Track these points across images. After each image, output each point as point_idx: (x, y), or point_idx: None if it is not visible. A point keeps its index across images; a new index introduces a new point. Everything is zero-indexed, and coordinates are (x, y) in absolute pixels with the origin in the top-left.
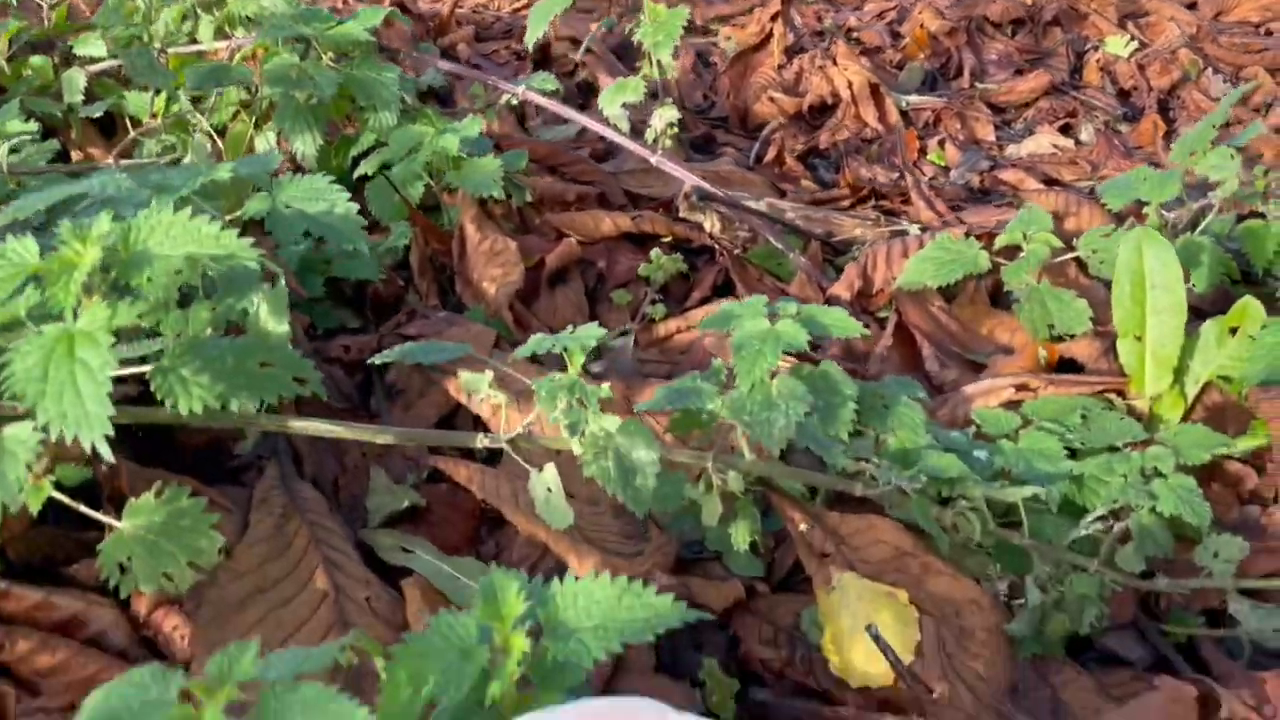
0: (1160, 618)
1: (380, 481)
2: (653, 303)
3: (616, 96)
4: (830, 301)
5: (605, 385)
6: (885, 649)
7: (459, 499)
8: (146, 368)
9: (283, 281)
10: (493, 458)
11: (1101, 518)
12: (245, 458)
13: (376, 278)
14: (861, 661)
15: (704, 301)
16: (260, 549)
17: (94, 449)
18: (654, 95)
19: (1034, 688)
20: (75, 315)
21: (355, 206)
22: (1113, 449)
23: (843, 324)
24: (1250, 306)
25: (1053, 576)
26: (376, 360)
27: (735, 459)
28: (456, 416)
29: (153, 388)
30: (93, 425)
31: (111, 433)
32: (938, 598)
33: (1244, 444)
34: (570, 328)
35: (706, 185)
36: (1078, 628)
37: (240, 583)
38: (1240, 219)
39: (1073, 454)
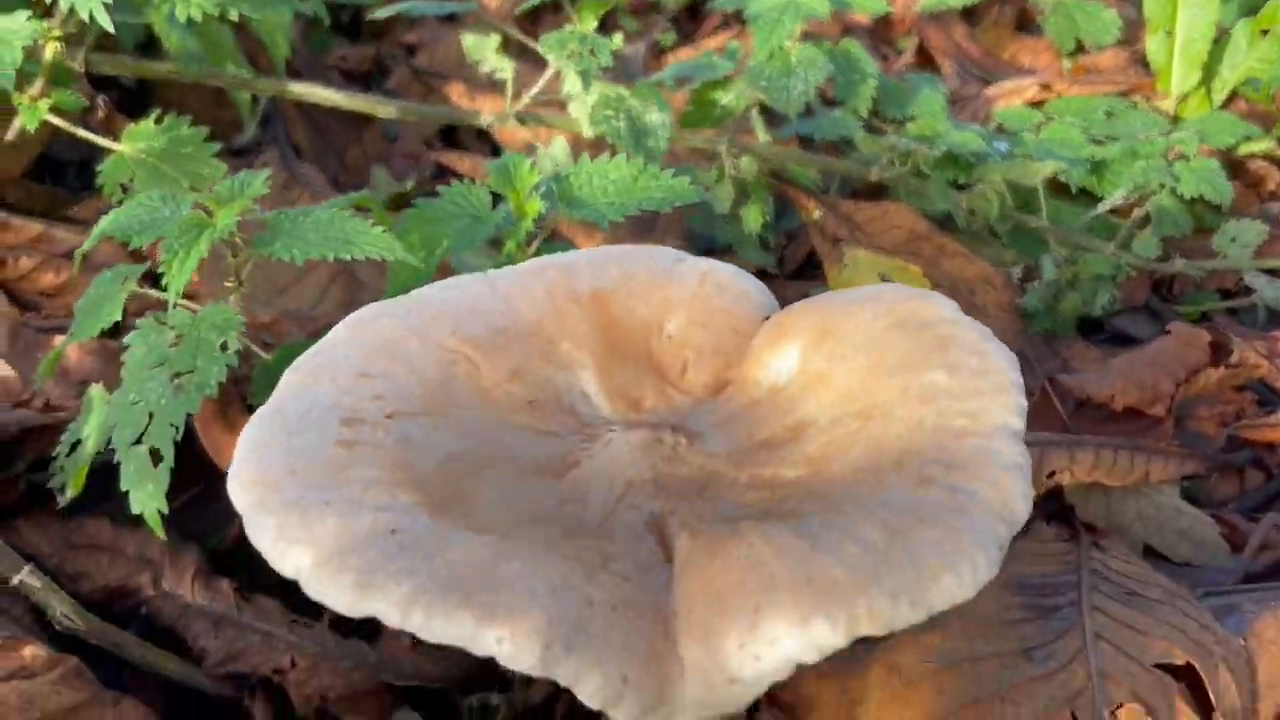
0: (1175, 301)
1: (381, 178)
2: (663, 31)
3: None
4: (846, 30)
5: (616, 35)
6: None
7: None
8: None
9: None
10: (496, 152)
11: (1121, 206)
12: (245, 144)
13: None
14: None
15: (715, 32)
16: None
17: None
18: None
19: (1044, 359)
20: None
21: None
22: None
23: (869, 1)
24: None
25: (1068, 259)
26: (379, 14)
27: (749, 143)
28: (457, 130)
29: None
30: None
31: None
32: (951, 277)
33: (1268, 140)
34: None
35: None
36: (1090, 309)
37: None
38: None
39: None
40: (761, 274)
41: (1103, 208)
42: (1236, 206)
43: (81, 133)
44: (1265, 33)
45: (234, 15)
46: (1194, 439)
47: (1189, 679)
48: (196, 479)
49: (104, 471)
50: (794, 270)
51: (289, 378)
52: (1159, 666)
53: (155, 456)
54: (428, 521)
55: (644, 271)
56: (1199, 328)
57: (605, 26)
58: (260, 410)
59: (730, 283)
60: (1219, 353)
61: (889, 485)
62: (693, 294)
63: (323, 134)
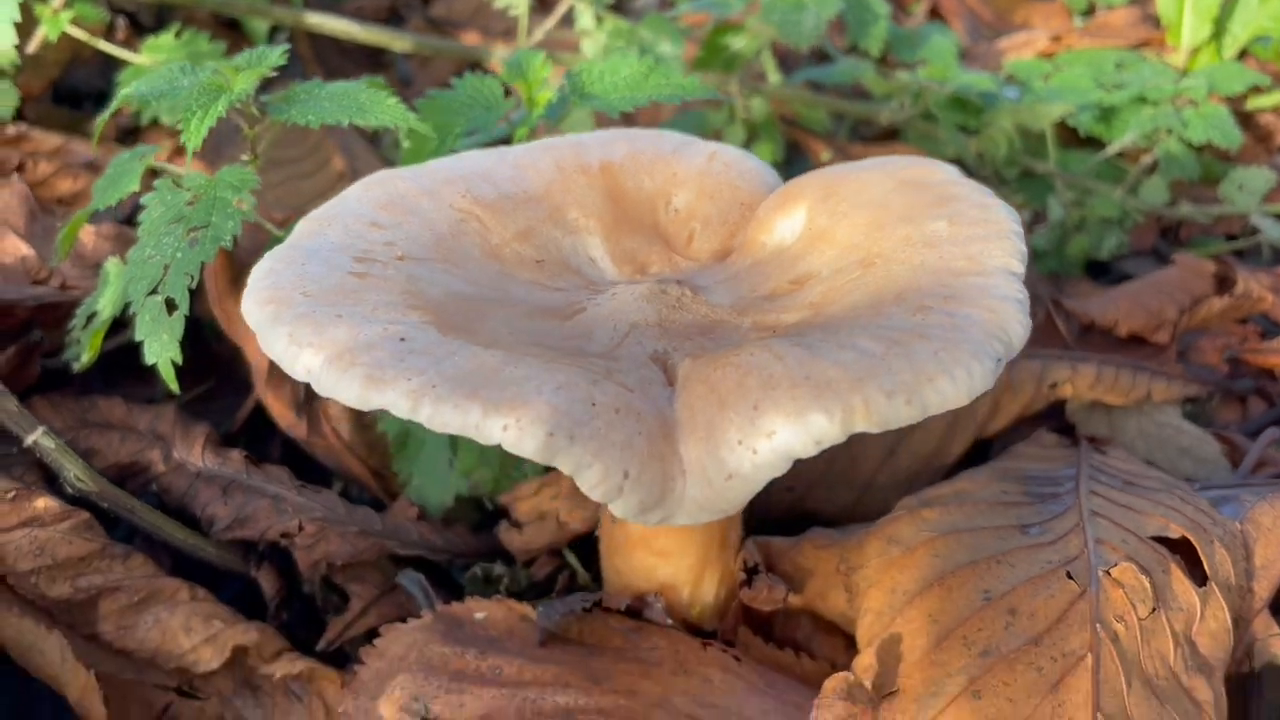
0: (1182, 245)
1: None
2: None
3: None
4: None
5: None
6: None
7: None
8: None
9: None
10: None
11: (1129, 152)
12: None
13: None
14: None
15: None
16: (303, 154)
17: None
18: None
19: (1051, 297)
20: None
21: None
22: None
23: None
24: None
25: (1075, 202)
26: None
27: (760, 85)
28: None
29: None
30: None
31: None
32: None
33: (1267, 98)
34: None
35: None
36: (1098, 252)
37: (283, 166)
38: None
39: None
40: None
41: (1111, 150)
42: (1245, 159)
43: (103, 44)
44: None
45: None
46: (1198, 370)
47: (1185, 555)
48: (206, 376)
49: (119, 355)
50: None
51: (301, 225)
52: (1155, 539)
53: (170, 306)
54: (437, 335)
55: (652, 149)
56: (1204, 259)
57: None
58: (273, 250)
59: (737, 160)
60: (1224, 284)
61: (888, 314)
62: (700, 170)
63: (337, 76)
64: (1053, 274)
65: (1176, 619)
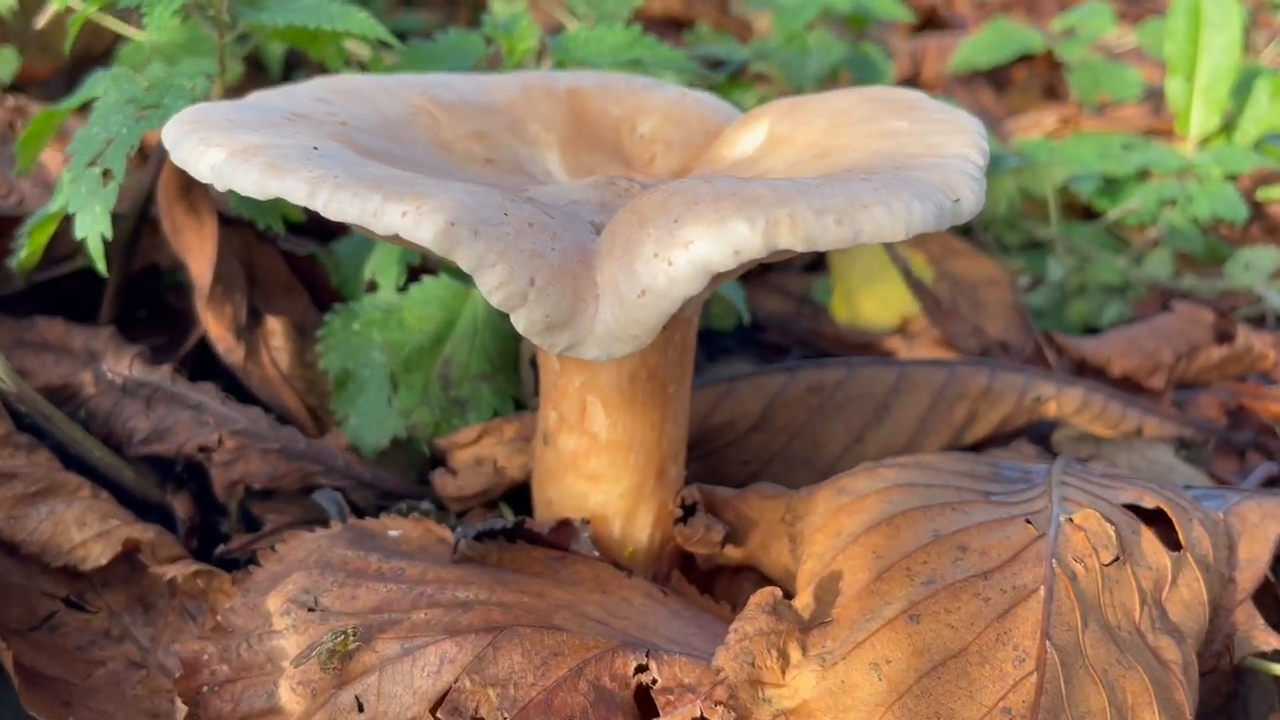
0: None
1: None
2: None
3: None
4: None
5: None
6: (897, 259)
7: None
8: None
9: None
10: None
11: (1132, 227)
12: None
13: (419, 30)
14: (870, 310)
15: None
16: None
17: None
18: None
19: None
20: None
21: None
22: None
23: (886, 4)
24: None
25: (1077, 267)
26: None
27: None
28: None
29: None
30: None
31: None
32: (956, 274)
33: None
34: None
35: None
36: (1096, 319)
37: None
38: None
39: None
40: (767, 269)
41: (1113, 215)
42: (1252, 244)
43: (110, 21)
44: None
45: None
46: (1196, 419)
47: (1161, 531)
48: (160, 332)
49: (69, 285)
50: (804, 265)
51: (249, 96)
52: (1128, 507)
53: (107, 176)
54: (353, 154)
55: (623, 83)
56: (1203, 308)
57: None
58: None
59: (708, 99)
60: (1223, 338)
61: (835, 175)
62: (669, 102)
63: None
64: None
65: (1144, 576)
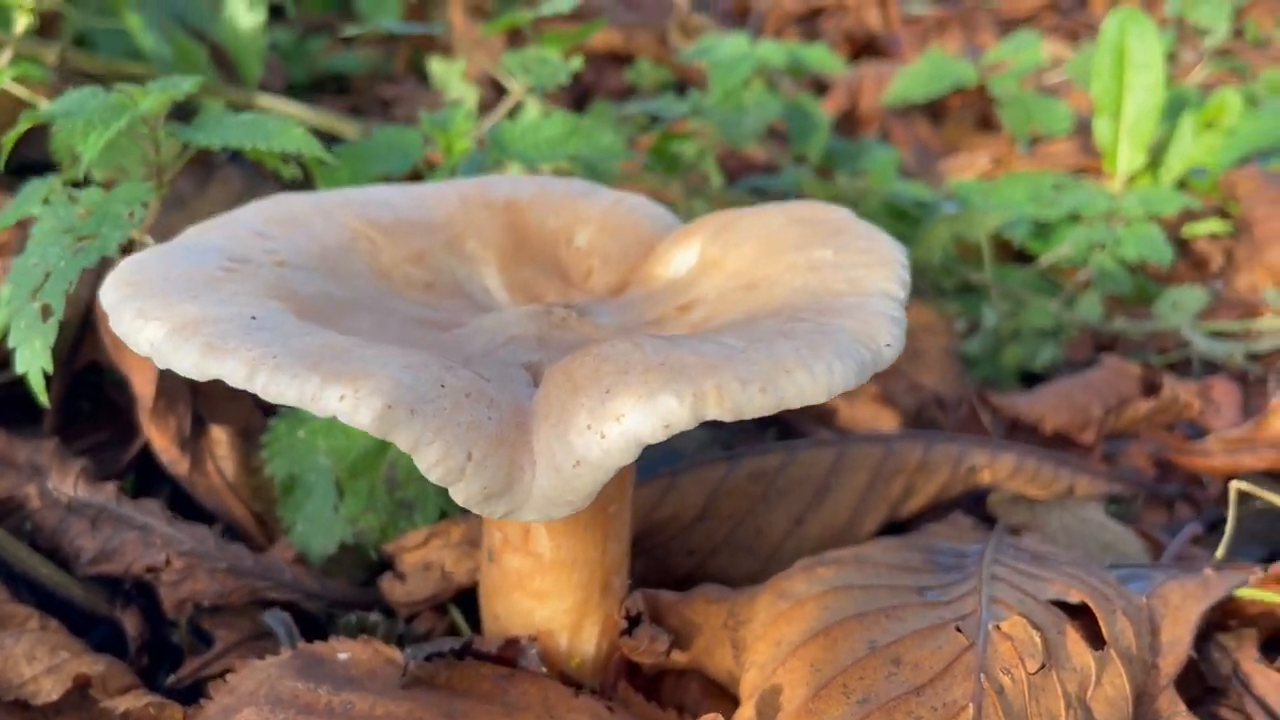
0: None
1: None
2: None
3: None
4: None
5: (576, 59)
6: None
7: None
8: None
9: None
10: None
11: (1065, 269)
12: (217, 161)
13: (360, 72)
14: None
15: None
16: (218, 206)
17: None
18: None
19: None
20: None
21: None
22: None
23: (822, 58)
24: (1228, 99)
25: (1011, 312)
26: (350, 31)
27: (704, 186)
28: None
29: None
30: None
31: None
32: None
33: (1213, 222)
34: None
35: None
36: (1031, 363)
37: (193, 221)
38: None
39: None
40: None
41: (1045, 261)
42: (1181, 284)
43: (45, 103)
44: (1210, 125)
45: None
46: (1127, 472)
47: (1087, 624)
48: (102, 428)
49: (11, 396)
50: None
51: (184, 232)
52: (1054, 603)
53: (46, 313)
54: (292, 319)
55: (561, 191)
56: (1130, 362)
57: (580, 107)
58: (151, 247)
59: (642, 205)
60: (1150, 389)
61: (761, 323)
62: (605, 210)
63: (289, 157)
64: (986, 381)
65: (1069, 679)
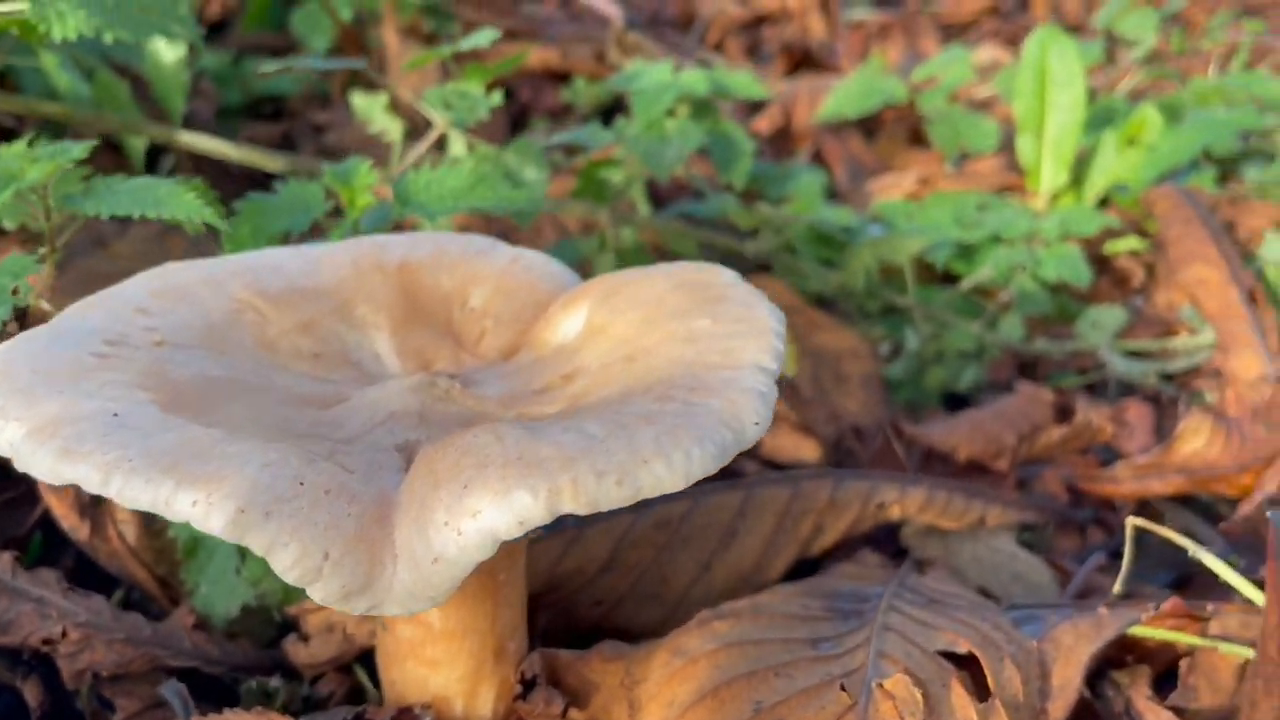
0: (1039, 381)
1: None
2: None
3: None
4: (751, 135)
5: (497, 94)
6: None
7: None
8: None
9: None
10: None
11: (983, 291)
12: None
13: (296, 93)
14: None
15: None
16: (139, 246)
17: None
18: None
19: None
20: None
21: None
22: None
23: (746, 85)
24: (1148, 116)
25: (933, 334)
26: (267, 67)
27: (631, 215)
28: None
29: (30, 15)
30: None
31: None
32: (820, 348)
33: (1133, 239)
34: None
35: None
36: (954, 384)
37: (114, 263)
38: None
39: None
40: None
41: (966, 284)
42: (1104, 301)
43: None
44: (1131, 142)
45: (110, 38)
46: (1038, 498)
47: (975, 671)
48: (7, 489)
49: None
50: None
51: (68, 309)
52: (942, 654)
53: None
54: (157, 413)
55: (457, 249)
56: (1043, 388)
57: (516, 128)
58: (27, 330)
59: (540, 263)
60: (1064, 414)
61: (632, 402)
62: (501, 269)
63: (220, 191)
64: (909, 404)
65: None
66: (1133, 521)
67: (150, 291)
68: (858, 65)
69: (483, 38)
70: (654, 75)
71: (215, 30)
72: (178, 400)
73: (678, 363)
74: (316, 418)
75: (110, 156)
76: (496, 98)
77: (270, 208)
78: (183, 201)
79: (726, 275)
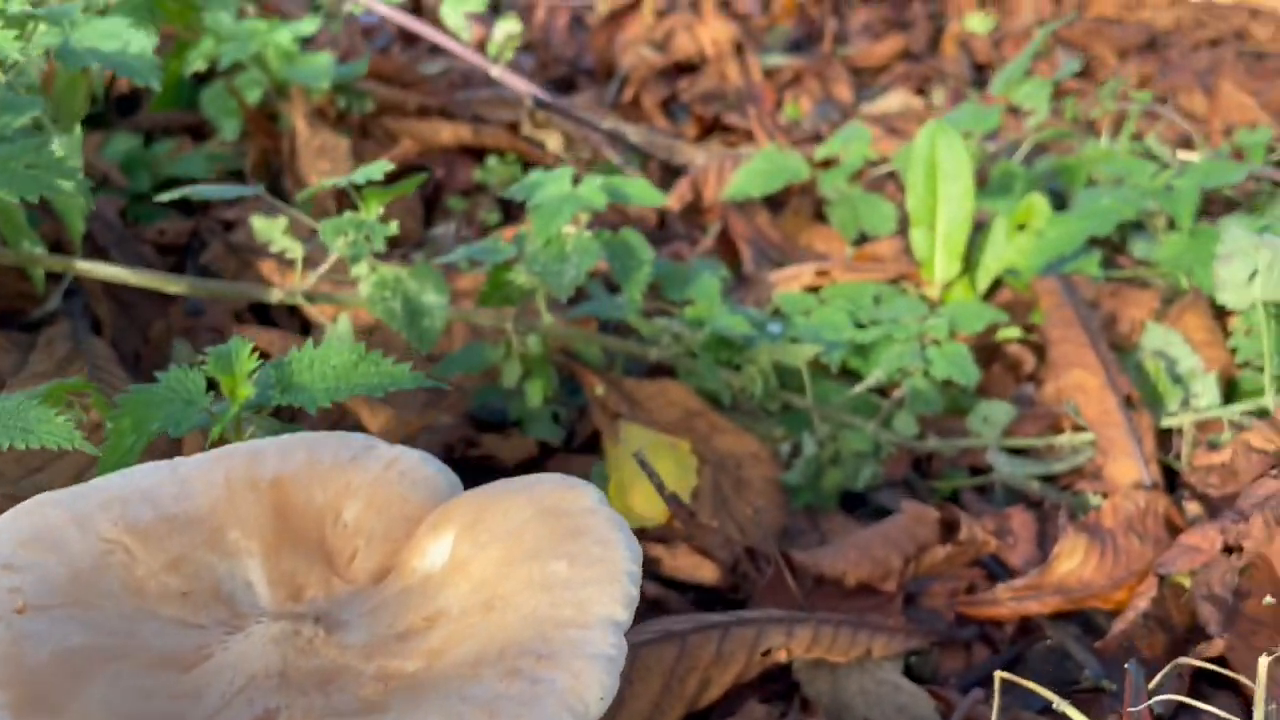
0: (933, 477)
1: (183, 353)
2: (488, 210)
3: (459, 5)
4: (661, 213)
5: (394, 223)
6: (651, 474)
7: None
8: None
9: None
10: (307, 330)
11: (880, 388)
12: (44, 316)
13: (207, 175)
14: (640, 505)
15: None
16: (35, 383)
17: None
18: (496, 10)
19: (804, 531)
20: None
21: (153, 43)
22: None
23: (644, 193)
24: (1036, 203)
25: (830, 436)
26: (163, 197)
27: (535, 322)
28: (270, 305)
29: None
30: None
31: None
32: (721, 452)
33: (1014, 331)
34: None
35: (548, 97)
36: (852, 484)
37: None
38: None
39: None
40: (545, 448)
41: (861, 388)
42: (996, 388)
43: None
44: (1021, 227)
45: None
46: (927, 615)
47: None
48: None
49: None
50: (581, 444)
51: None
52: None
53: None
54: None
55: (330, 457)
56: (928, 506)
57: (430, 206)
58: None
59: (414, 468)
60: (949, 530)
61: (481, 678)
62: (374, 479)
63: (125, 308)
64: (808, 507)
65: None
66: (1000, 675)
67: (17, 540)
68: (771, 121)
69: (375, 170)
70: (552, 187)
71: (124, 107)
72: (35, 692)
73: (531, 618)
74: (177, 687)
75: (14, 282)
76: (393, 227)
77: (149, 401)
78: (52, 427)
79: (588, 499)
